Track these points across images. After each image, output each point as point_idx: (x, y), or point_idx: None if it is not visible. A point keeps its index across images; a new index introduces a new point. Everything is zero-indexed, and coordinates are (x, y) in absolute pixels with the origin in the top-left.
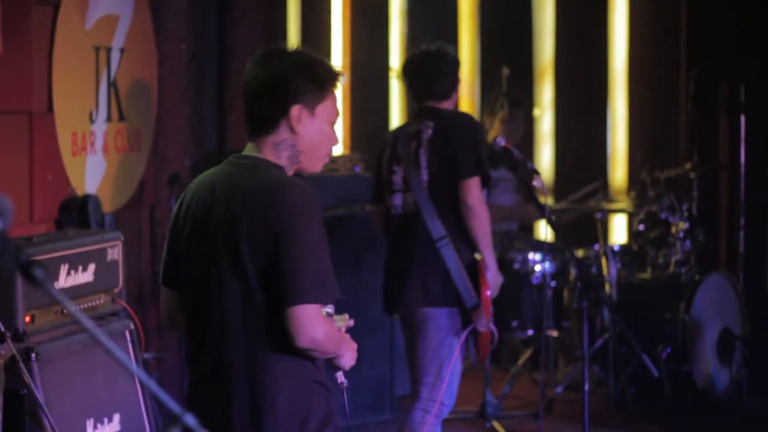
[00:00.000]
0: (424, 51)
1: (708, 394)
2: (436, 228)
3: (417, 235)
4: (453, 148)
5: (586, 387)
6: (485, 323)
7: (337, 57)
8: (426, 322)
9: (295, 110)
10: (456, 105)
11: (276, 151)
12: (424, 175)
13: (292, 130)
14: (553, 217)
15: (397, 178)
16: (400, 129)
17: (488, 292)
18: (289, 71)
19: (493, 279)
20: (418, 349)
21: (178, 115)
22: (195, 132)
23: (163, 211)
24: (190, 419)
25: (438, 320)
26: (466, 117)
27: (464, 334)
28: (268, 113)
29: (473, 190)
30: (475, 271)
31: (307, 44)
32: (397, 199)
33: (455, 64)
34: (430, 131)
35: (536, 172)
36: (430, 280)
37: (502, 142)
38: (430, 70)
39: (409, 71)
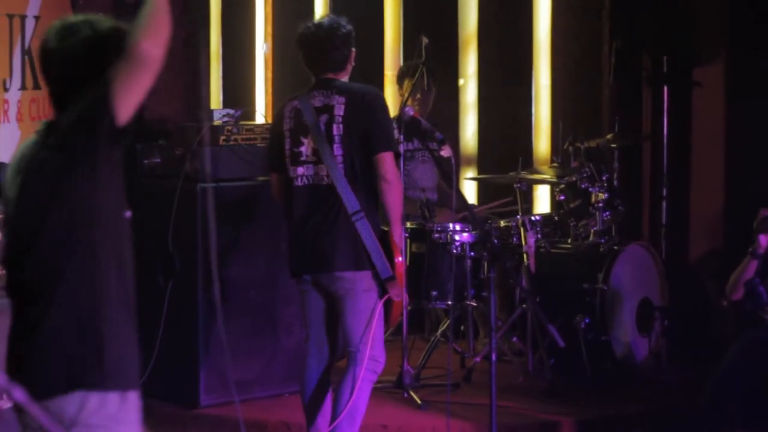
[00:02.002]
0: (317, 24)
1: (627, 364)
2: (351, 202)
3: (333, 206)
4: (368, 125)
5: (494, 357)
6: (399, 293)
7: (260, 27)
8: (353, 284)
9: None
10: (350, 76)
11: None
12: (338, 150)
13: None
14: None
15: (305, 149)
16: (301, 100)
17: (400, 259)
18: None
19: (398, 243)
20: (346, 312)
21: None
22: None
23: None
24: None
25: (363, 281)
26: (376, 93)
27: (380, 304)
28: None
29: (389, 164)
30: (386, 242)
31: (229, 16)
32: (306, 170)
33: (348, 36)
34: (342, 107)
35: (444, 142)
36: (354, 245)
37: (410, 111)
38: (324, 43)
39: (303, 44)
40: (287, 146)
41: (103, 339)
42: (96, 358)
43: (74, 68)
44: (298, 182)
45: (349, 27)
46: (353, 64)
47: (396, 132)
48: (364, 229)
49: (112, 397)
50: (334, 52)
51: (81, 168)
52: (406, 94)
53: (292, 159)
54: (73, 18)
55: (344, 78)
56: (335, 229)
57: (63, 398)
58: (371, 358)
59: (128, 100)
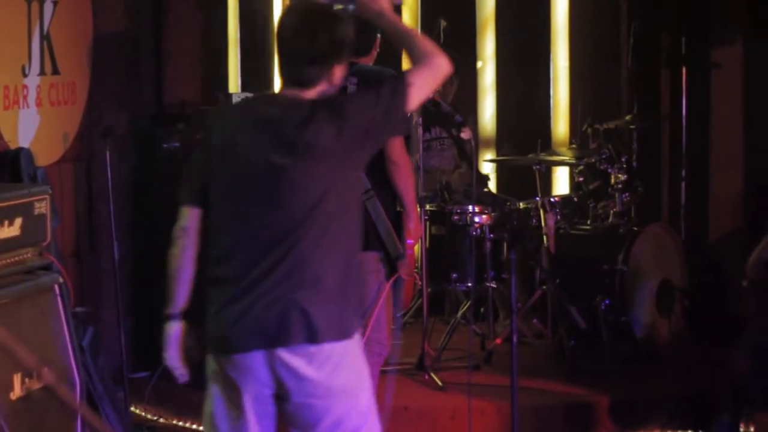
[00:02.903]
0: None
1: (647, 345)
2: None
3: None
4: None
5: (515, 339)
6: (410, 272)
7: (278, 10)
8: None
9: None
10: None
11: None
12: None
13: None
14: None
15: None
16: None
17: (410, 241)
18: None
19: (415, 229)
20: None
21: (114, 68)
22: (132, 85)
23: (99, 165)
24: None
25: (370, 262)
26: (390, 73)
27: (390, 282)
28: None
29: (398, 147)
30: (399, 222)
31: (246, 3)
32: None
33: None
34: (354, 87)
35: (464, 124)
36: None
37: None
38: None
39: None
40: None
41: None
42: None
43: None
44: None
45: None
46: (378, 49)
47: (415, 117)
48: (374, 208)
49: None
50: (359, 37)
51: (367, 152)
52: None
53: None
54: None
55: (368, 62)
56: None
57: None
58: (376, 340)
59: (418, 99)
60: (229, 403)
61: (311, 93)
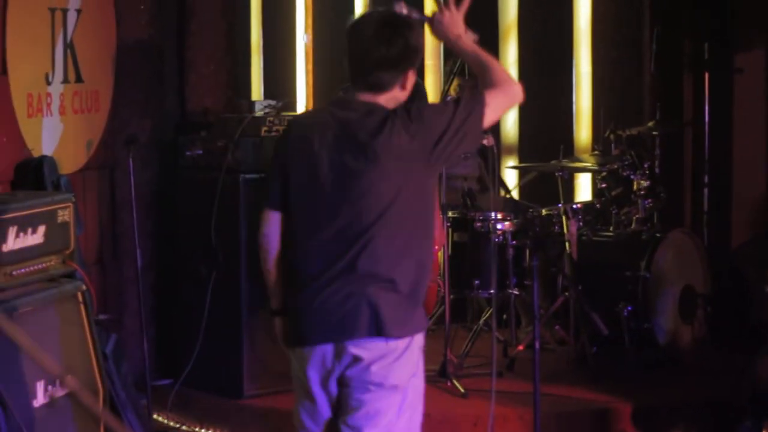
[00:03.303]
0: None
1: (670, 351)
2: None
3: None
4: None
5: (537, 345)
6: (433, 278)
7: (301, 18)
8: None
9: None
10: None
11: None
12: None
13: None
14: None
15: None
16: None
17: (435, 248)
18: None
19: (438, 236)
20: None
21: (137, 76)
22: (155, 93)
23: (122, 173)
24: None
25: None
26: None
27: None
28: None
29: None
30: None
31: (270, 7)
32: None
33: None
34: None
35: (486, 132)
36: None
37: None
38: None
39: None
40: None
41: None
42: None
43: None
44: None
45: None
46: None
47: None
48: None
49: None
50: None
51: (439, 161)
52: (455, 92)
53: None
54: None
55: None
56: None
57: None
58: None
59: (492, 120)
60: (303, 393)
61: (385, 97)
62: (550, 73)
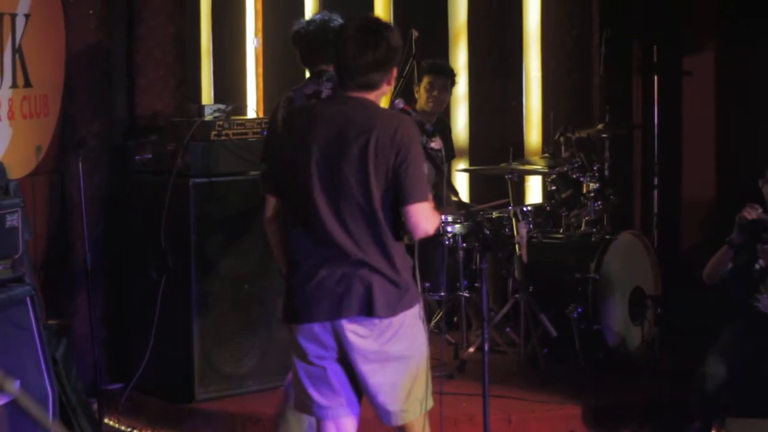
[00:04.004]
0: (309, 21)
1: (619, 352)
2: None
3: None
4: None
5: (486, 347)
6: None
7: (251, 22)
8: None
9: None
10: None
11: None
12: None
13: None
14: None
15: None
16: (295, 90)
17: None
18: None
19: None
20: None
21: (86, 80)
22: (104, 97)
23: (72, 177)
24: None
25: None
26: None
27: None
28: None
29: None
30: None
31: (220, 11)
32: None
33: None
34: (329, 91)
35: (434, 134)
36: None
37: (400, 104)
38: (317, 39)
39: (297, 42)
40: None
41: None
42: None
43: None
44: None
45: (341, 21)
46: None
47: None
48: None
49: None
50: (328, 47)
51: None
52: (396, 87)
53: None
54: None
55: None
56: None
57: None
58: None
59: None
60: (306, 364)
61: (375, 94)
62: (500, 76)
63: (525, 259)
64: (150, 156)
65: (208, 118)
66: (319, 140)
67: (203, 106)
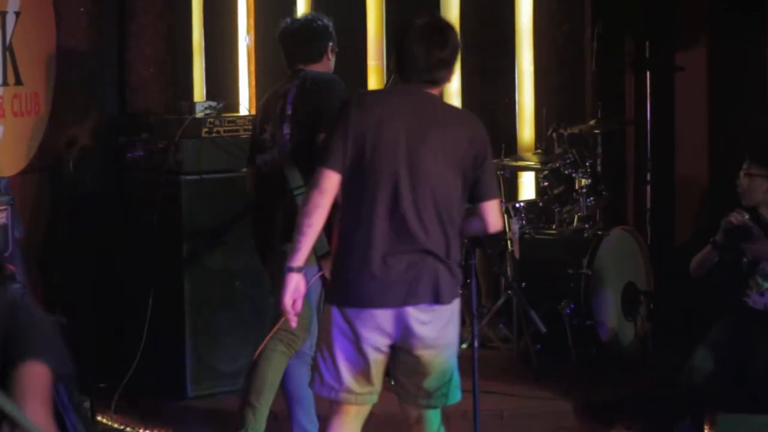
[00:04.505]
0: (293, 19)
1: (612, 348)
2: (294, 178)
3: (280, 186)
4: (314, 105)
5: (476, 344)
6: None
7: (243, 19)
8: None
9: None
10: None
11: None
12: (286, 129)
13: None
14: None
15: (267, 137)
16: (272, 91)
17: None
18: None
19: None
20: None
21: (77, 78)
22: (95, 95)
23: (63, 175)
24: None
25: None
26: (332, 78)
27: (312, 280)
28: None
29: None
30: (329, 221)
31: (211, 8)
32: (268, 156)
33: (324, 29)
34: (294, 89)
35: None
36: (292, 220)
37: None
38: (298, 37)
39: (281, 40)
40: (258, 136)
41: None
42: None
43: None
44: (262, 169)
45: (326, 21)
46: (330, 58)
47: None
48: None
49: None
50: (308, 45)
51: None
52: (387, 82)
53: (258, 147)
54: None
55: (321, 69)
56: (277, 204)
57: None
58: (294, 334)
59: None
60: (353, 350)
61: (438, 89)
62: (492, 72)
63: (517, 255)
64: (141, 153)
65: (199, 115)
66: (402, 128)
67: (194, 103)
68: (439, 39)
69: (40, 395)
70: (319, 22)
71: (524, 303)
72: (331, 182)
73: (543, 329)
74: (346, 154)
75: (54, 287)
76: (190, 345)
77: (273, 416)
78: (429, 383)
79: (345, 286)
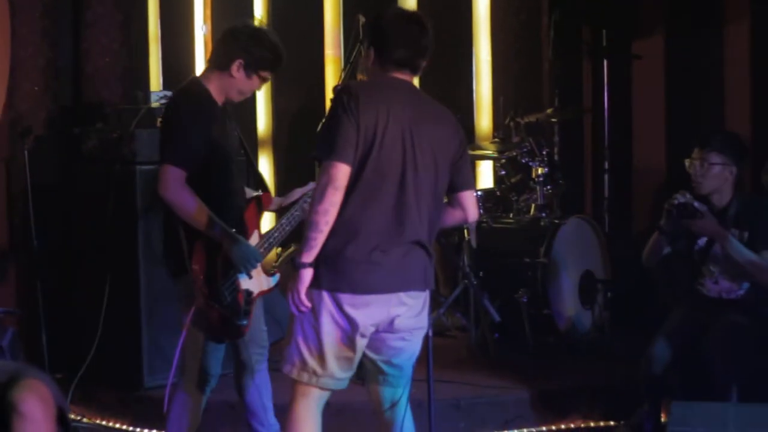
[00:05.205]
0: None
1: (570, 337)
2: None
3: None
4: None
5: (430, 333)
6: None
7: (199, 9)
8: None
9: None
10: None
11: None
12: None
13: None
14: None
15: None
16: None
17: None
18: None
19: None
20: None
21: (32, 68)
22: (50, 85)
23: (17, 165)
24: None
25: None
26: (177, 95)
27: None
28: None
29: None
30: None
31: (166, 1)
32: None
33: (234, 35)
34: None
35: None
36: None
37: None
38: (217, 42)
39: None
40: None
41: None
42: None
43: None
44: None
45: (245, 30)
46: (237, 75)
47: None
48: None
49: None
50: (218, 50)
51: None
52: (343, 72)
53: None
54: None
55: (223, 77)
56: None
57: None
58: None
59: None
60: (343, 336)
61: (414, 78)
62: (449, 60)
63: (474, 244)
64: (96, 143)
65: (154, 105)
66: (403, 122)
67: (150, 93)
68: (420, 28)
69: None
70: (234, 29)
71: (478, 292)
72: (345, 177)
73: (497, 318)
74: (357, 146)
75: (8, 278)
76: (147, 336)
77: (229, 406)
78: (406, 366)
79: (342, 272)
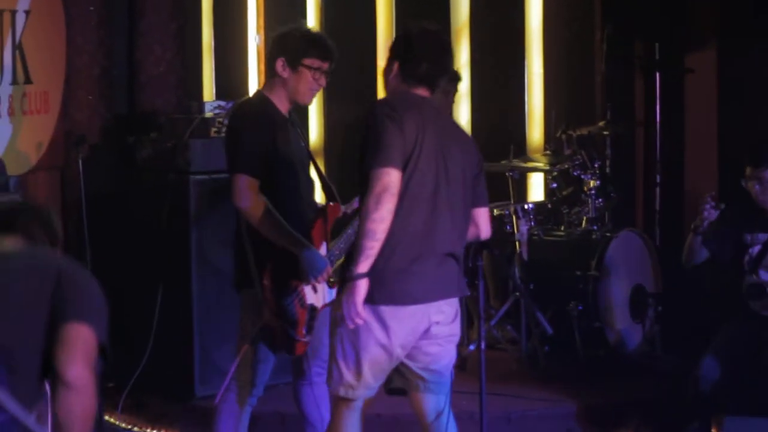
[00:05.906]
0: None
1: (620, 351)
2: None
3: None
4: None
5: (483, 345)
6: None
7: (252, 19)
8: None
9: None
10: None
11: None
12: None
13: None
14: None
15: None
16: None
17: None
18: None
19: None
20: None
21: (87, 77)
22: (104, 94)
23: (72, 174)
24: None
25: None
26: (241, 105)
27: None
28: None
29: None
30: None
31: (221, 8)
32: None
33: (278, 42)
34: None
35: None
36: None
37: None
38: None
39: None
40: None
41: None
42: None
43: None
44: None
45: (286, 35)
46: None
47: None
48: None
49: None
50: (270, 61)
51: None
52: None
53: None
54: None
55: (273, 84)
56: None
57: None
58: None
59: None
60: (381, 350)
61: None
62: (502, 72)
63: (526, 256)
64: (150, 153)
65: (208, 114)
66: (436, 136)
67: (203, 102)
68: (444, 47)
69: (84, 356)
70: (277, 37)
71: (531, 304)
72: (399, 183)
73: (550, 330)
74: (404, 155)
75: None
76: (198, 345)
77: (280, 418)
78: (444, 371)
79: (384, 284)
